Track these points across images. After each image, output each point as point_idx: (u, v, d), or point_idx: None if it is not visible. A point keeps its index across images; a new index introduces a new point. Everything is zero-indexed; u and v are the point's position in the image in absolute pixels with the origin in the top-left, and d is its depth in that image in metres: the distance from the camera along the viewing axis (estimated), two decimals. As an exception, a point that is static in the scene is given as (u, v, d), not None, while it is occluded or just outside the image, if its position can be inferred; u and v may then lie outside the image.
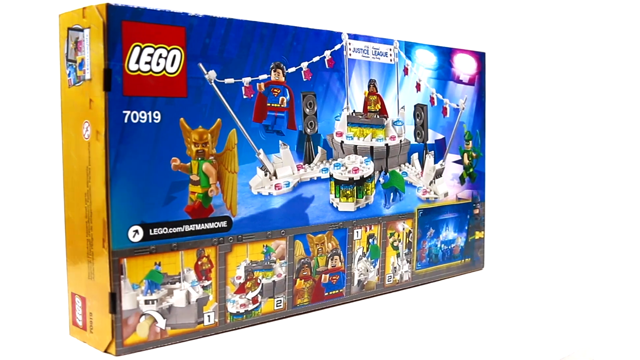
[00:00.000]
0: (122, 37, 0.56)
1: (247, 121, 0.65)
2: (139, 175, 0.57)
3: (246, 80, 0.64)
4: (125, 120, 0.56)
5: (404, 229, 0.81)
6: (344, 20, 1.17)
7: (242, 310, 0.66)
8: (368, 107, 0.77)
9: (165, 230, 0.60)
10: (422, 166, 0.83)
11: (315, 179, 0.71)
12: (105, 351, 0.58)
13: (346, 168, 0.74)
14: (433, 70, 0.84)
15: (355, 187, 0.75)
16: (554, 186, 1.37)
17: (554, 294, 0.80)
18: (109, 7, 0.55)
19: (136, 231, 0.58)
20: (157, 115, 0.58)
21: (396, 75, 0.79)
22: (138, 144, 0.57)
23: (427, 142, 0.84)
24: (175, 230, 0.60)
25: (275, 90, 0.67)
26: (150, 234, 0.59)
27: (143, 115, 0.57)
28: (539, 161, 1.39)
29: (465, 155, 0.90)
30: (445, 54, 0.86)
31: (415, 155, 0.82)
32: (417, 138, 0.82)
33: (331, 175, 0.73)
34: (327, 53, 0.72)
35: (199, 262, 0.62)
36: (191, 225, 0.61)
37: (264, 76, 0.66)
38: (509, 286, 0.84)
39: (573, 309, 0.75)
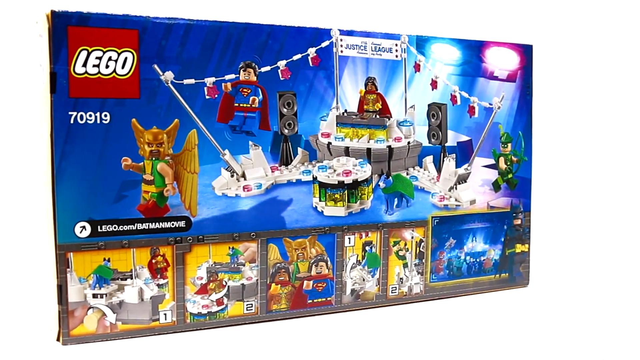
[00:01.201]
0: (67, 41, 0.58)
1: (210, 122, 0.65)
2: (85, 173, 0.60)
3: (209, 80, 0.64)
4: (71, 121, 0.59)
5: (413, 237, 0.75)
6: (362, 19, 1.10)
7: (204, 311, 0.65)
8: (365, 107, 0.72)
9: (115, 228, 0.61)
10: (439, 170, 0.77)
11: (294, 181, 0.69)
12: (57, 340, 0.61)
13: (334, 170, 0.71)
14: (456, 66, 0.77)
15: (346, 191, 0.71)
16: (613, 195, 1.17)
17: (602, 313, 0.70)
18: (53, 13, 0.58)
19: (83, 227, 0.60)
20: (105, 116, 0.60)
21: (404, 73, 0.74)
22: (85, 144, 0.60)
23: (447, 145, 0.77)
24: (126, 227, 0.62)
25: (244, 90, 0.66)
26: (99, 230, 0.61)
27: (90, 116, 0.60)
28: (598, 167, 1.18)
29: (502, 159, 0.81)
30: (473, 48, 0.78)
31: (429, 158, 0.76)
32: (432, 140, 0.76)
33: (315, 178, 0.70)
34: (312, 51, 0.69)
35: (153, 261, 0.63)
36: (144, 224, 0.62)
37: (231, 76, 0.65)
38: (553, 305, 0.74)
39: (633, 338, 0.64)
